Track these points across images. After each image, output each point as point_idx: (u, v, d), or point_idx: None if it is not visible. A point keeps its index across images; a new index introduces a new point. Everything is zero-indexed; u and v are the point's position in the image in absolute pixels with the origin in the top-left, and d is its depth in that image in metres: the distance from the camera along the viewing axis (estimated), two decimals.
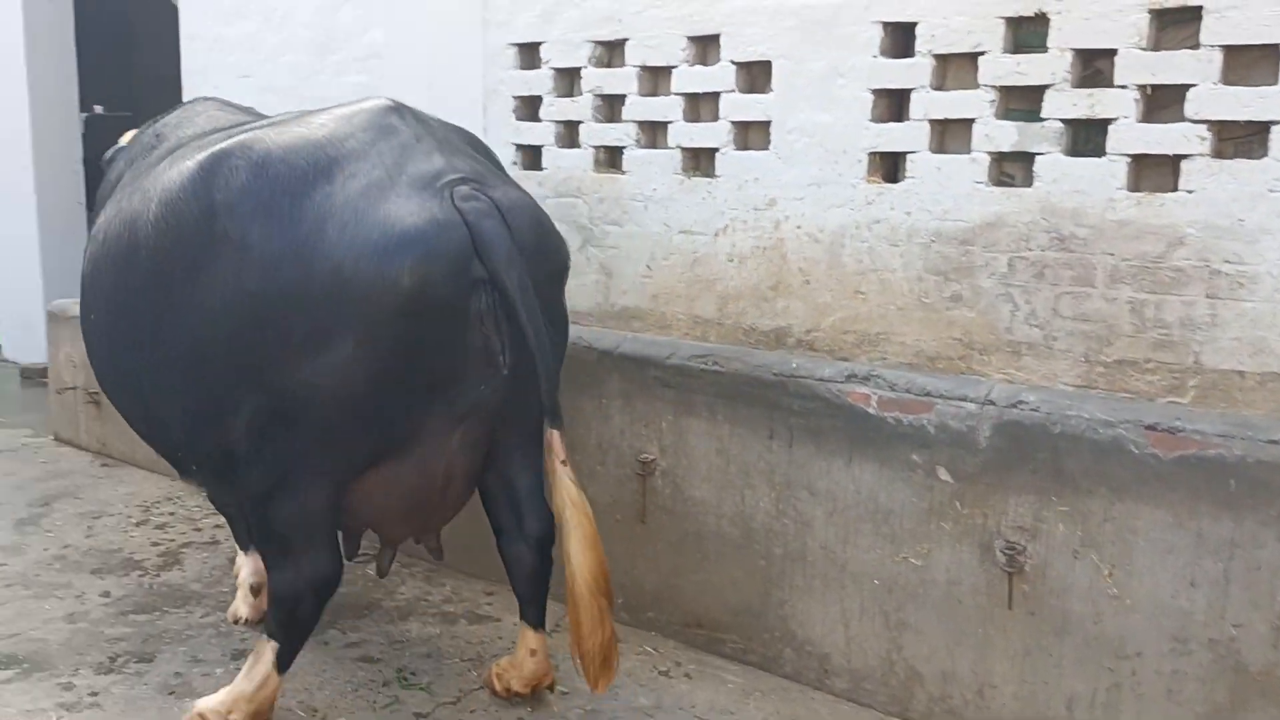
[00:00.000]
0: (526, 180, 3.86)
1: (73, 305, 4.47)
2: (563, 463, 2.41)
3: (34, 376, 5.98)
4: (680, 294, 3.53)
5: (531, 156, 3.93)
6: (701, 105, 3.47)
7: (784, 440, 2.90)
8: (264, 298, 2.32)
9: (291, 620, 2.50)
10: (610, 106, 3.72)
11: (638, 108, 3.59)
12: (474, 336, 2.39)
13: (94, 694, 2.76)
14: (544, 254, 2.55)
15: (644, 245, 3.61)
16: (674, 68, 3.47)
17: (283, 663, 2.55)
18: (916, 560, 2.73)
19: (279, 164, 2.40)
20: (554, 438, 2.41)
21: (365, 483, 2.48)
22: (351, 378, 2.31)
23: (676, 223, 3.52)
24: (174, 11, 5.87)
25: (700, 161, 3.51)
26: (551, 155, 3.86)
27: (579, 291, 3.82)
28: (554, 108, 3.83)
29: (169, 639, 3.05)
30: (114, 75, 6.85)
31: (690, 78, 3.44)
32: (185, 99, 5.10)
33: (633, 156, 3.62)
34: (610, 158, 3.76)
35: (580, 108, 3.76)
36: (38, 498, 4.17)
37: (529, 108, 3.92)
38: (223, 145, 2.50)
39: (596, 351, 3.11)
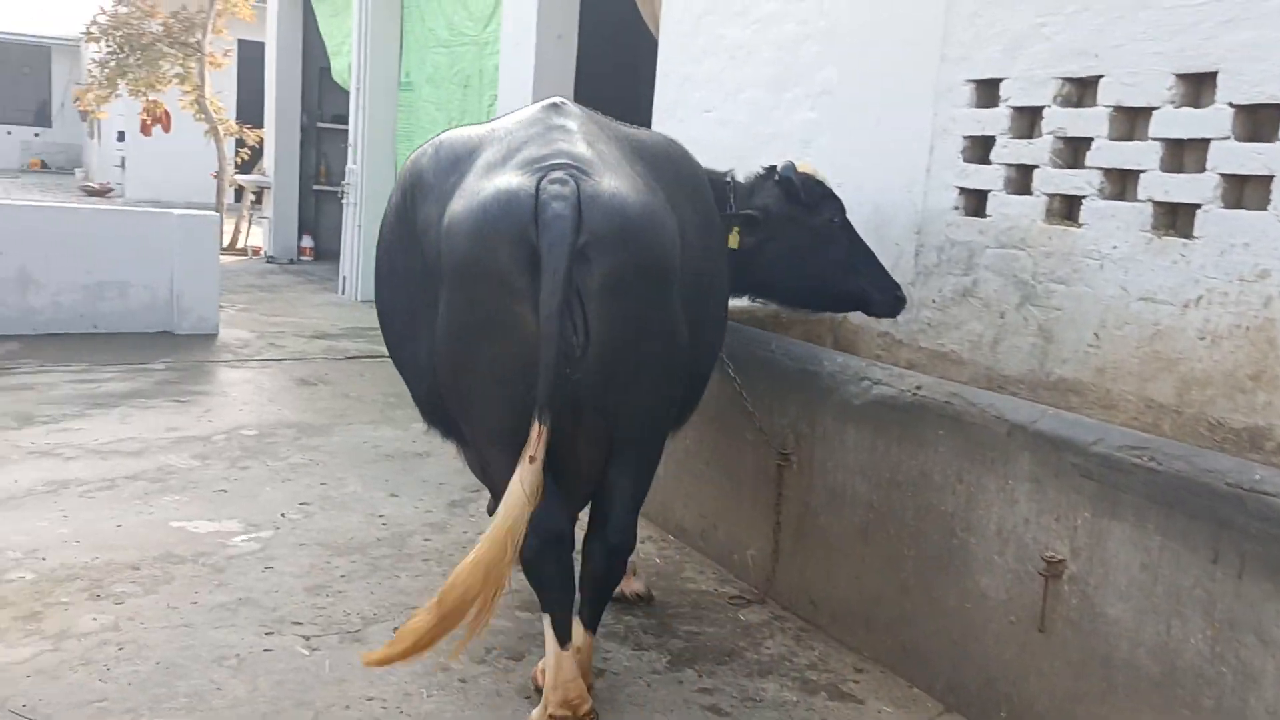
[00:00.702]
0: (966, 227, 3.55)
1: None
2: (530, 459, 2.30)
3: None
4: (1132, 371, 3.02)
5: (975, 202, 3.60)
6: (1185, 153, 2.95)
7: (1232, 568, 2.32)
8: (423, 267, 2.62)
9: (541, 583, 2.60)
10: (1072, 151, 3.29)
11: (1105, 153, 3.13)
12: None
13: (463, 681, 2.91)
14: (622, 243, 2.35)
15: (1093, 310, 3.14)
16: (1155, 109, 2.98)
17: (560, 634, 2.60)
18: None
19: (446, 149, 2.74)
20: (533, 431, 2.31)
21: None
22: (448, 340, 2.50)
23: (1137, 287, 3.02)
24: (633, 60, 6.26)
25: (1175, 218, 2.98)
26: (997, 201, 3.51)
27: (1009, 354, 3.43)
28: (1007, 150, 3.48)
29: (540, 642, 3.14)
30: (617, 110, 7.48)
31: (1174, 121, 2.94)
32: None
33: (1092, 208, 3.17)
34: (1064, 208, 3.32)
35: (1037, 151, 3.37)
36: (473, 483, 4.56)
37: (978, 149, 3.60)
38: (432, 138, 2.94)
39: (1007, 424, 2.72)
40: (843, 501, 3.23)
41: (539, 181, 2.34)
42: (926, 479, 2.93)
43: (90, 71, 14.23)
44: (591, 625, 2.74)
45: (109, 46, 13.75)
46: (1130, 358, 3.01)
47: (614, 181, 2.41)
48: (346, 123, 12.96)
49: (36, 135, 26.76)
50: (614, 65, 7.13)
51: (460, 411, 2.66)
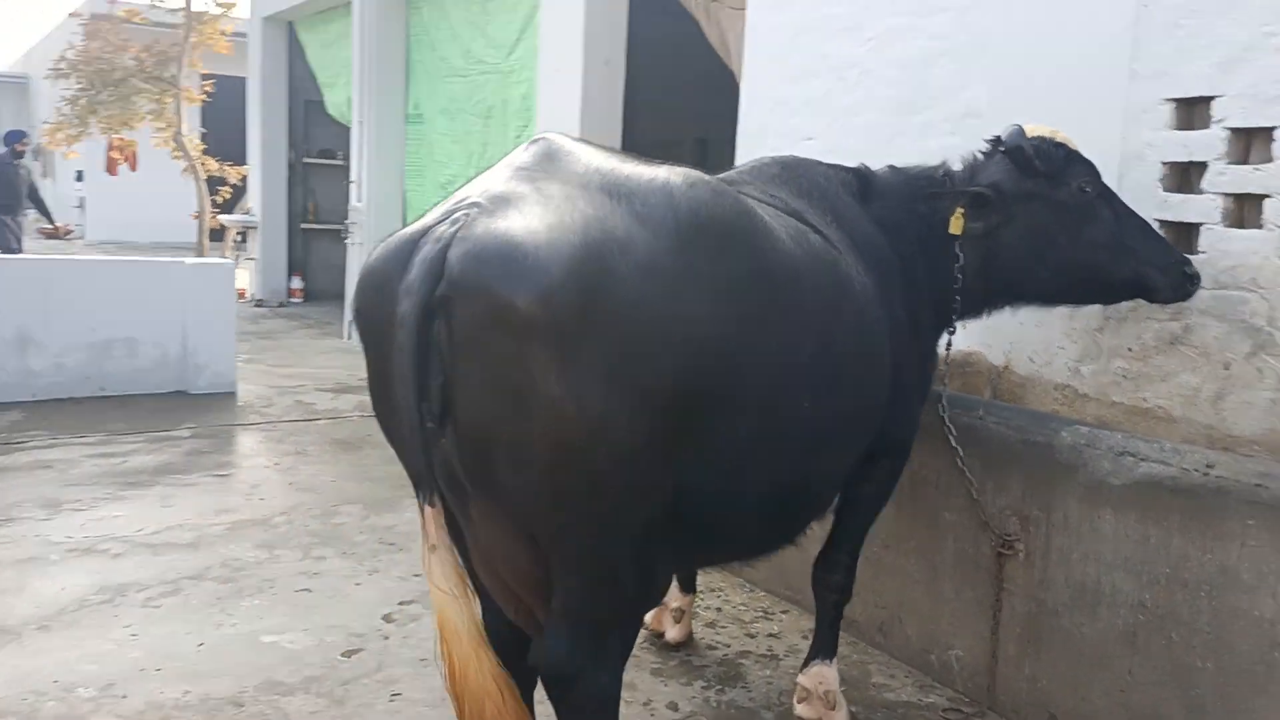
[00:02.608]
0: None
1: None
2: (431, 548, 1.87)
3: None
4: None
5: (1181, 237, 3.16)
6: None
7: None
8: None
9: None
10: None
11: None
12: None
13: None
14: (478, 289, 1.83)
15: None
16: None
17: None
18: None
19: None
20: (427, 516, 1.88)
21: None
22: None
23: None
24: (672, 87, 5.80)
25: None
26: (1213, 236, 3.06)
27: (1239, 412, 2.97)
28: (1225, 177, 3.04)
29: None
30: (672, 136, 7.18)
31: None
32: (738, 162, 4.93)
33: None
34: None
35: (1267, 178, 2.94)
36: None
37: (1184, 177, 3.16)
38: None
39: None
40: (1097, 600, 2.74)
41: (435, 224, 1.95)
42: (1229, 578, 2.45)
43: (59, 110, 13.47)
44: None
45: (79, 83, 13.07)
46: None
47: (512, 220, 1.89)
48: (335, 158, 12.48)
49: None
50: (669, 91, 6.67)
51: None
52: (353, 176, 9.57)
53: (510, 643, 2.30)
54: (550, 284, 1.80)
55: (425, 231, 1.95)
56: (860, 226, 2.76)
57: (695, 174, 2.14)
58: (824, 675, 2.89)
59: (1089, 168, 2.88)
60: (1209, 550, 2.50)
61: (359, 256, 9.41)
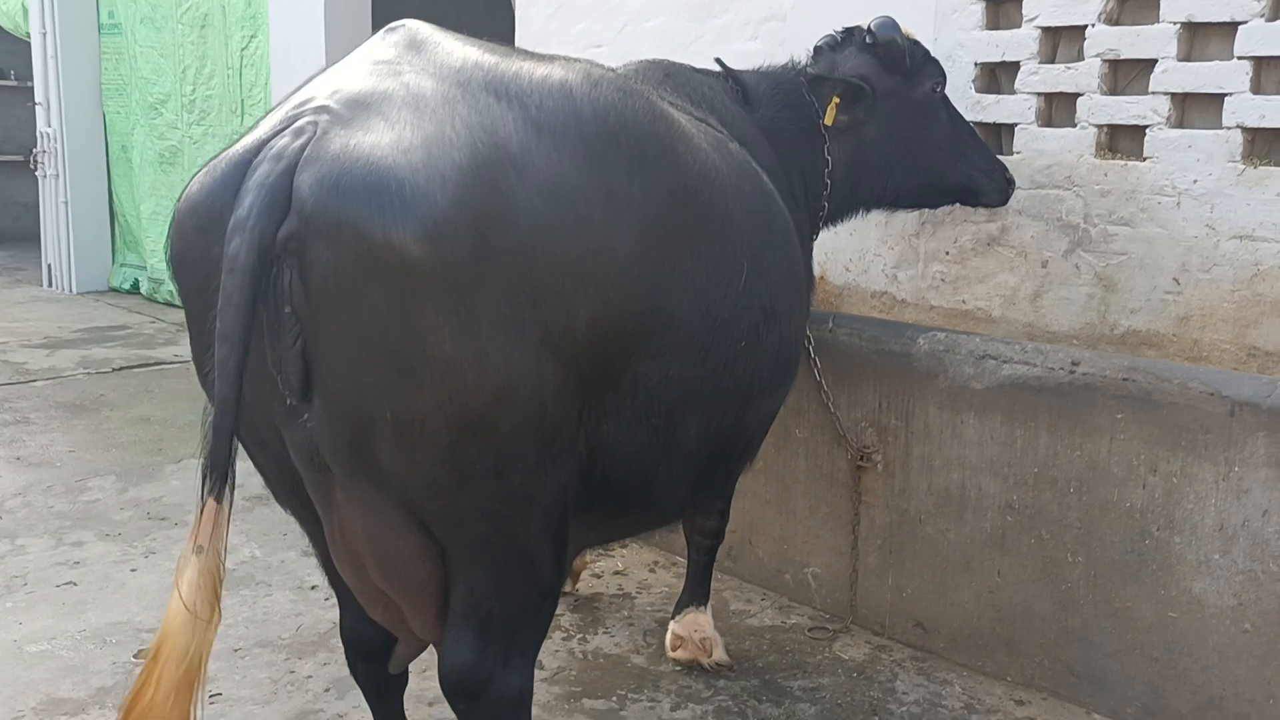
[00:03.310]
0: None
1: None
2: (197, 550, 1.52)
3: None
4: (1227, 317, 2.73)
5: (995, 136, 3.18)
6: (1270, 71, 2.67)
7: None
8: None
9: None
10: (1121, 74, 2.94)
11: (1174, 76, 2.80)
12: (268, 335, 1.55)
13: None
14: (342, 224, 1.46)
15: (1171, 253, 2.82)
16: (1240, 24, 2.67)
17: None
18: None
19: None
20: (205, 510, 1.54)
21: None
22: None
23: (1227, 225, 2.73)
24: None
25: (1274, 147, 2.70)
26: (1027, 136, 3.10)
27: (1058, 308, 3.06)
28: (1037, 76, 3.07)
29: None
30: None
31: (1263, 37, 2.64)
32: None
33: (1160, 138, 2.84)
34: (1116, 140, 2.98)
35: (1079, 76, 2.98)
36: None
37: (995, 77, 3.18)
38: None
39: (1228, 401, 2.32)
40: (963, 506, 2.73)
41: (272, 135, 1.55)
42: (1099, 472, 2.49)
43: None
44: None
45: None
46: (1224, 303, 2.73)
47: (378, 132, 1.52)
48: (7, 78, 10.83)
49: None
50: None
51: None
52: (38, 98, 8.27)
53: (374, 644, 2.00)
54: (435, 216, 1.44)
55: (260, 147, 1.51)
56: (754, 138, 2.51)
57: (597, 69, 1.80)
58: (699, 622, 2.73)
59: (940, 68, 2.80)
60: (1078, 447, 2.53)
61: (54, 190, 8.19)
